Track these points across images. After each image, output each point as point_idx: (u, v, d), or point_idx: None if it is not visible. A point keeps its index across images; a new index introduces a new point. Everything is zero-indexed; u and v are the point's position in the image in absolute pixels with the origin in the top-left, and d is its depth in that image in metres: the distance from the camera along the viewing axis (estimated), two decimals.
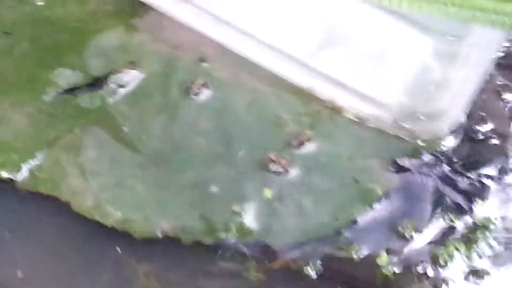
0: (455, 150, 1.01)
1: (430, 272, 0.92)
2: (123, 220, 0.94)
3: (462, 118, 1.02)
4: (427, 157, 1.00)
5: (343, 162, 1.00)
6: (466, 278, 0.92)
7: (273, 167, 0.98)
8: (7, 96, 1.03)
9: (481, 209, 0.97)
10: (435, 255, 0.93)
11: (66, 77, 1.05)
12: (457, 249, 0.94)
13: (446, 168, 1.00)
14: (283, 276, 0.92)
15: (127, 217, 0.94)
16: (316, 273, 0.92)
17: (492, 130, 1.03)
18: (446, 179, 0.99)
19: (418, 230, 0.95)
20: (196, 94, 1.04)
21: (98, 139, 1.00)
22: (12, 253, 0.92)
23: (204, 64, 1.07)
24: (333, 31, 1.04)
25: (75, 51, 1.08)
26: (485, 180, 0.99)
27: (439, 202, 0.98)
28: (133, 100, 1.03)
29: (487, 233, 0.95)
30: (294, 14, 1.06)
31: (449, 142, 1.01)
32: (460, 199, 0.98)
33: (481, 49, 1.02)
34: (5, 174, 0.96)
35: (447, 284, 0.92)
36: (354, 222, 0.95)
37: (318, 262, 0.92)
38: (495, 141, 1.03)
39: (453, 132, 1.02)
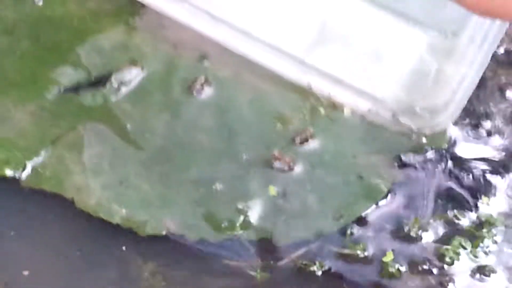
0: (459, 146, 1.01)
1: (436, 270, 0.92)
2: (127, 218, 0.93)
3: (464, 114, 1.01)
4: (431, 153, 1.00)
5: (347, 158, 1.00)
6: (472, 275, 0.92)
7: (277, 164, 0.98)
8: (9, 94, 1.02)
9: (486, 206, 0.97)
10: (441, 253, 0.93)
11: (68, 75, 1.04)
12: (462, 246, 0.93)
13: (450, 164, 1.00)
14: (289, 275, 0.91)
15: (131, 214, 0.93)
16: (322, 271, 0.91)
17: (495, 126, 1.03)
18: (450, 175, 0.99)
19: (423, 227, 0.94)
20: (198, 91, 1.04)
21: (101, 137, 0.99)
22: (17, 251, 0.92)
23: (206, 62, 1.06)
24: (328, 27, 1.04)
25: (76, 50, 1.07)
26: (489, 177, 0.99)
27: (444, 198, 0.97)
28: (135, 98, 1.03)
29: (492, 230, 0.95)
30: (289, 11, 1.05)
31: (453, 138, 1.01)
32: (465, 196, 0.97)
33: (477, 44, 1.02)
34: (9, 172, 0.96)
35: (453, 282, 0.91)
36: (360, 219, 0.95)
37: (324, 260, 0.92)
38: (499, 137, 1.02)
39: (456, 127, 1.01)
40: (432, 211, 0.96)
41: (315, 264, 0.91)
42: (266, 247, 0.92)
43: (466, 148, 1.01)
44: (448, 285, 0.91)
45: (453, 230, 0.95)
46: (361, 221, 0.95)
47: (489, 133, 1.03)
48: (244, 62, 1.05)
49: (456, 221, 0.95)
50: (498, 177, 0.99)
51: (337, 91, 1.02)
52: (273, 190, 0.96)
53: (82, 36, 1.09)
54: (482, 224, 0.95)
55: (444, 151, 1.00)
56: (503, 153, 1.01)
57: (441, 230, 0.95)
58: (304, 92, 1.03)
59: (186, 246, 0.92)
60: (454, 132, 1.02)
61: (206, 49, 1.07)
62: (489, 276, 0.92)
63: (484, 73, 1.02)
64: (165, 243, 0.92)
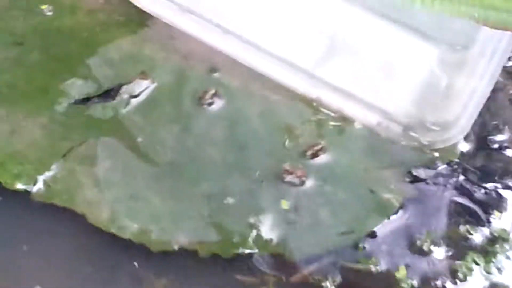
0: (471, 160, 1.01)
1: (449, 286, 0.91)
2: (139, 233, 0.93)
3: (475, 128, 1.01)
4: (442, 167, 0.99)
5: (358, 172, 0.99)
6: None
7: (288, 177, 0.97)
8: (20, 106, 1.02)
9: (499, 220, 0.96)
10: (454, 268, 0.92)
11: (78, 87, 1.04)
12: (475, 262, 0.93)
13: (462, 178, 0.99)
14: None
15: (143, 229, 0.93)
16: (335, 286, 0.91)
17: (507, 139, 1.03)
18: (462, 190, 0.99)
19: (436, 242, 0.94)
20: (209, 104, 1.03)
21: (112, 149, 0.99)
22: (30, 266, 0.92)
23: (216, 74, 1.06)
24: (338, 41, 1.04)
25: (85, 61, 1.07)
26: (501, 191, 0.99)
27: (455, 213, 0.97)
28: (146, 110, 1.02)
29: (505, 245, 0.94)
30: (299, 24, 1.05)
31: (464, 152, 1.01)
32: (477, 210, 0.97)
33: (487, 57, 1.01)
34: (20, 186, 0.95)
35: None
36: (372, 234, 0.94)
37: (336, 276, 0.91)
38: (510, 150, 1.02)
39: (467, 141, 1.01)
40: (444, 225, 0.96)
41: (327, 279, 0.91)
42: (278, 262, 0.92)
43: (478, 162, 1.01)
44: None
45: (465, 245, 0.94)
46: (373, 236, 0.94)
47: (500, 146, 1.02)
48: (254, 73, 1.05)
49: (469, 236, 0.95)
50: (510, 191, 0.98)
51: (347, 105, 1.02)
52: (285, 204, 0.95)
53: (92, 48, 1.09)
54: (495, 239, 0.95)
55: (455, 165, 1.00)
56: None
57: (453, 245, 0.94)
58: (314, 104, 1.03)
59: (198, 262, 0.92)
60: (465, 145, 1.01)
61: (216, 60, 1.06)
62: None
63: (495, 85, 1.01)
64: (177, 259, 0.92)
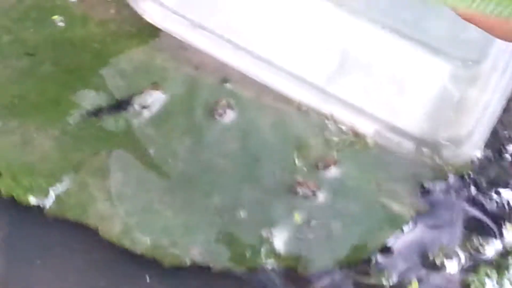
0: (483, 172, 1.00)
1: None
2: (151, 247, 0.93)
3: (487, 139, 1.00)
4: (454, 181, 0.99)
5: (370, 186, 0.99)
6: None
7: (301, 190, 0.97)
8: (31, 118, 1.02)
9: (511, 234, 0.96)
10: (467, 283, 0.92)
11: (89, 98, 1.04)
12: (488, 275, 0.93)
13: (473, 191, 0.99)
14: None
15: (155, 243, 0.93)
16: None
17: None
18: (474, 202, 0.98)
19: (448, 255, 0.94)
20: (221, 115, 1.03)
21: (124, 162, 0.99)
22: (43, 281, 0.92)
23: (227, 85, 1.05)
24: (350, 56, 1.03)
25: (97, 73, 1.07)
26: None
27: (468, 226, 0.97)
28: (158, 122, 1.02)
29: None
30: (310, 39, 1.05)
31: (477, 164, 1.00)
32: (489, 223, 0.97)
33: (500, 71, 1.01)
34: (33, 200, 0.96)
35: None
36: (384, 247, 0.94)
37: None
38: None
39: (479, 154, 1.01)
40: (457, 239, 0.95)
41: None
42: (291, 276, 0.92)
43: (490, 174, 1.00)
44: None
45: (478, 259, 0.94)
46: (385, 249, 0.94)
47: None
48: (265, 85, 1.04)
49: (481, 249, 0.94)
50: None
51: (359, 120, 1.01)
52: (298, 217, 0.95)
53: (103, 58, 1.09)
54: (507, 252, 0.94)
55: (467, 178, 1.00)
56: None
57: (466, 259, 0.94)
58: (326, 118, 1.03)
59: (210, 276, 0.92)
60: (477, 158, 1.01)
61: (227, 72, 1.06)
62: None
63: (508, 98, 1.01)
64: (189, 273, 0.92)
